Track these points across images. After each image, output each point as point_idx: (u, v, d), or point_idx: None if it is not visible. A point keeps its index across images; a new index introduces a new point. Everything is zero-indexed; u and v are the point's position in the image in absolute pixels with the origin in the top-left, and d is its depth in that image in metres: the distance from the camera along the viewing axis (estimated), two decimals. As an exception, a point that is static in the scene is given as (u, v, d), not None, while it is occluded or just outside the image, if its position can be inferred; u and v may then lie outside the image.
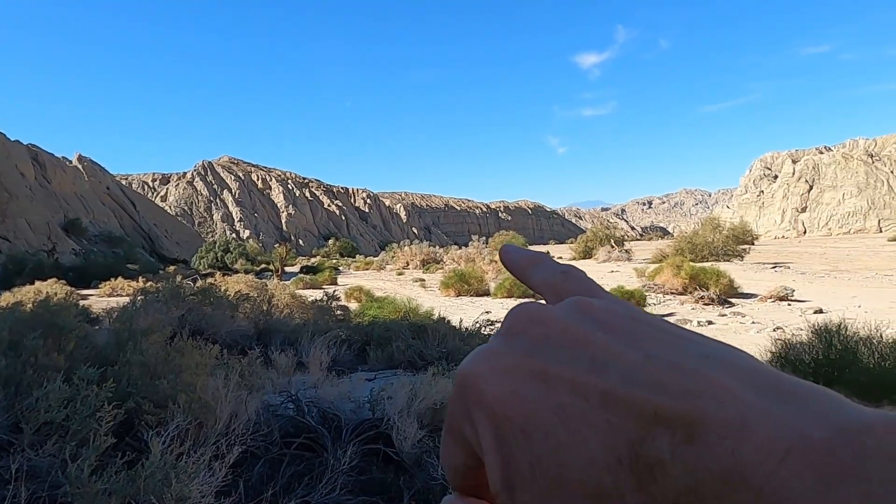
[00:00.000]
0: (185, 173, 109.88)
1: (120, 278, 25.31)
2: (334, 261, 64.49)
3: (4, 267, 37.48)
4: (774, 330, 10.90)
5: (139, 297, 7.39)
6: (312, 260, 64.45)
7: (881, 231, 67.42)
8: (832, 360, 5.06)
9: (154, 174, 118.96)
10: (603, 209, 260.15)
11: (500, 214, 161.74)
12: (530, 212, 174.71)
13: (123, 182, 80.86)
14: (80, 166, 66.73)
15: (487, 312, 13.66)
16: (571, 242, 54.46)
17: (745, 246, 31.13)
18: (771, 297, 15.24)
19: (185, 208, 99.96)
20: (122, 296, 23.32)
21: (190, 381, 3.05)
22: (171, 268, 45.84)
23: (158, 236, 69.26)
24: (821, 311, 13.11)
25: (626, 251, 34.04)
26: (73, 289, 21.29)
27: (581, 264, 28.51)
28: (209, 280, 14.31)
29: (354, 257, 74.20)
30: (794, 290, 15.73)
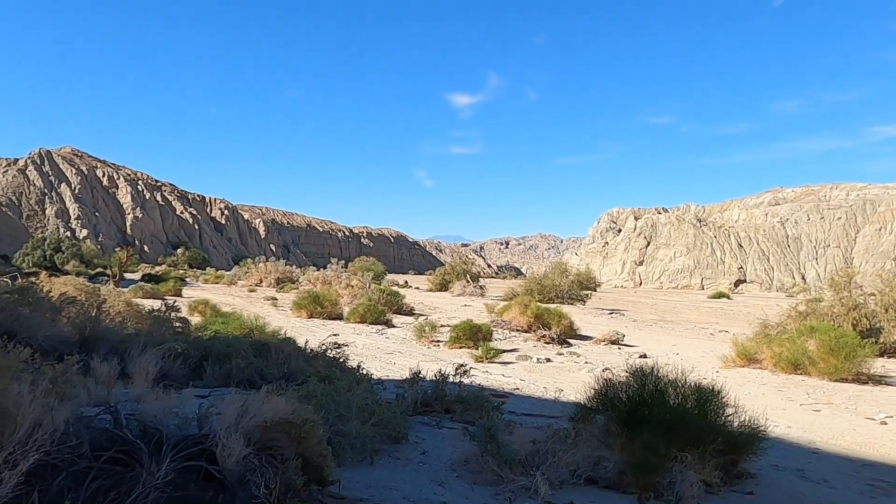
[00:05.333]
0: (17, 160, 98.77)
1: (-80, 269, 22.17)
2: (182, 271, 60.81)
3: None
4: (603, 370, 11.75)
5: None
6: (158, 268, 60.26)
7: (703, 288, 75.07)
8: (644, 399, 5.56)
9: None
10: (463, 245, 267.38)
11: (362, 240, 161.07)
12: (393, 240, 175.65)
13: (-61, 161, 71.27)
14: None
15: (335, 335, 13.53)
16: (430, 274, 55.35)
17: (588, 291, 33.33)
18: (604, 341, 16.43)
19: (13, 198, 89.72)
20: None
21: (-11, 384, 2.77)
22: (-12, 263, 40.91)
23: (-25, 226, 61.56)
24: (645, 356, 14.33)
25: (481, 287, 35.21)
26: None
27: (437, 296, 29.05)
28: (31, 279, 12.96)
29: (205, 269, 70.32)
30: (625, 336, 17.08)
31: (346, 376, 6.35)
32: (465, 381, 7.19)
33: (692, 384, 5.77)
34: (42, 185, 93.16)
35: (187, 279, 43.91)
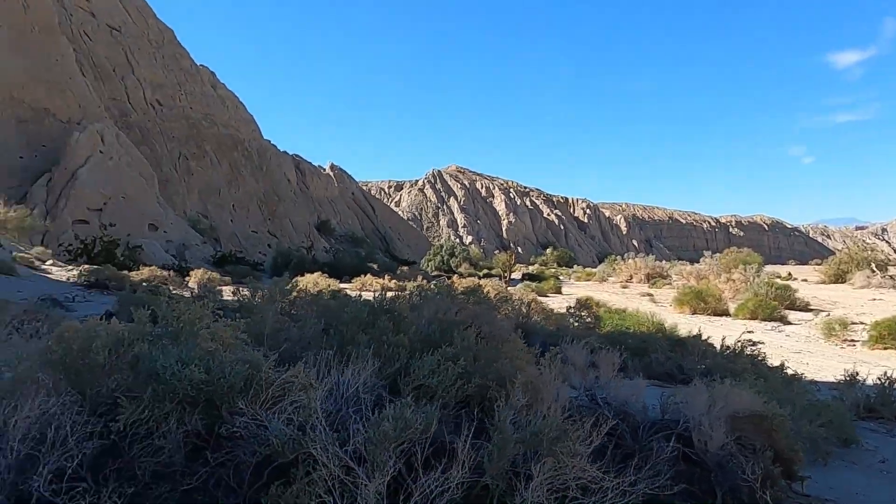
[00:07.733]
0: (416, 181, 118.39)
1: (369, 275, 28.30)
2: (552, 270, 65.11)
3: (275, 259, 43.90)
4: None
5: (416, 294, 8.39)
6: (531, 268, 65.74)
7: None
8: None
9: (390, 181, 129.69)
10: (857, 228, 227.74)
11: (730, 229, 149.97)
12: (767, 228, 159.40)
13: (364, 188, 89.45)
14: (331, 174, 75.29)
15: (750, 332, 13.08)
16: (817, 264, 48.97)
17: None
18: None
19: (416, 213, 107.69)
20: (370, 291, 26.05)
21: (521, 367, 3.60)
22: (405, 268, 49.89)
23: (392, 239, 75.70)
24: None
25: (892, 277, 29.72)
26: (333, 281, 24.33)
27: (832, 289, 25.61)
28: (452, 280, 15.51)
29: (572, 267, 74.18)
30: None
31: (773, 375, 6.21)
32: (916, 386, 6.33)
33: None
34: (436, 201, 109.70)
35: (560, 277, 46.83)
